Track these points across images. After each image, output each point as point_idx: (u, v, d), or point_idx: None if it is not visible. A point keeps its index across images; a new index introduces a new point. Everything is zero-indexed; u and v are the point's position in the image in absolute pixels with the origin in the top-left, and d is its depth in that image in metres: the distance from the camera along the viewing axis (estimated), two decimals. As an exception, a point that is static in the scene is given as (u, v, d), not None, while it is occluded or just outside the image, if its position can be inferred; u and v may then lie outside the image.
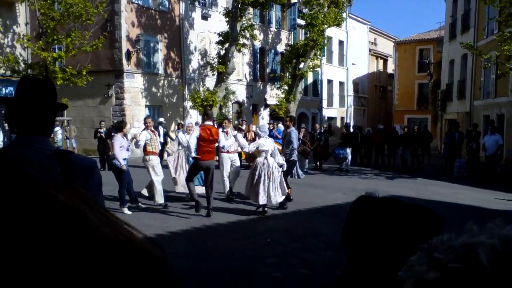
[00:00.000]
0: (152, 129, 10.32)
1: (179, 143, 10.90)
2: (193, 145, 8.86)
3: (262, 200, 9.21)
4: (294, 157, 11.15)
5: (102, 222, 0.40)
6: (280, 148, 11.59)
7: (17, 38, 18.26)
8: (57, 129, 19.13)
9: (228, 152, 11.29)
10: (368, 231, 1.25)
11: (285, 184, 9.66)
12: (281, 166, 9.66)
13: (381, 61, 49.18)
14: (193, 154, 8.95)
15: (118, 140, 9.24)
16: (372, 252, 1.24)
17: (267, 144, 9.32)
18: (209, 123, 9.06)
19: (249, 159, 18.66)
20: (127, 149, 9.56)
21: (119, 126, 9.65)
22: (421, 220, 1.26)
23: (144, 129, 10.05)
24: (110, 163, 9.60)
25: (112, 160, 9.37)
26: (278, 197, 9.40)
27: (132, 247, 0.41)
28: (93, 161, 2.14)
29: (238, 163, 12.34)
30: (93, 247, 0.37)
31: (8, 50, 18.33)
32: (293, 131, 11.28)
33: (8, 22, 18.45)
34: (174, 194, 11.80)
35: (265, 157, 9.29)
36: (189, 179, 9.16)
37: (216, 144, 9.33)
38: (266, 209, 9.43)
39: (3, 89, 17.57)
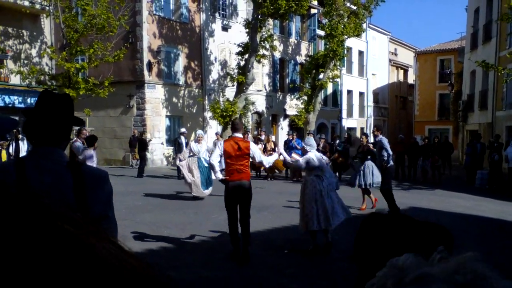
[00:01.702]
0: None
1: (191, 151, 12.58)
2: (216, 163, 7.30)
3: (325, 224, 7.56)
4: (391, 163, 11.06)
5: (109, 253, 0.43)
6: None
7: (43, 50, 18.68)
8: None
9: None
10: (376, 248, 1.28)
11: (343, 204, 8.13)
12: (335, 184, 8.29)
13: (401, 72, 48.89)
14: (219, 175, 7.41)
15: (89, 155, 9.50)
16: (379, 269, 1.26)
17: (316, 159, 7.88)
18: (238, 135, 7.24)
19: (269, 170, 18.69)
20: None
21: (91, 141, 9.71)
22: (429, 237, 1.27)
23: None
24: None
25: None
26: (341, 215, 7.82)
27: (137, 276, 0.44)
28: (104, 172, 2.23)
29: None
30: (101, 276, 0.40)
31: (36, 60, 18.74)
32: (384, 138, 11.11)
33: (34, 33, 18.89)
34: (191, 202, 11.92)
35: (316, 175, 7.78)
36: (229, 215, 7.07)
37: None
38: (330, 240, 7.66)
39: (29, 99, 17.96)
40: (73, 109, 2.12)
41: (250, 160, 7.27)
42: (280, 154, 8.47)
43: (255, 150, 7.28)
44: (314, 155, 7.93)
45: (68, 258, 0.39)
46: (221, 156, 7.21)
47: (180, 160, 12.84)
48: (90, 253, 0.41)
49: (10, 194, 0.41)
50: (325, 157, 8.62)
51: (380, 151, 10.85)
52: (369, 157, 11.50)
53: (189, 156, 12.56)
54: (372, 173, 11.22)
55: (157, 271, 0.47)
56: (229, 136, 7.80)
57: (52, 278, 0.37)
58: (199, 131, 13.46)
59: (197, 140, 12.79)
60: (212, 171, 8.44)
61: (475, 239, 8.55)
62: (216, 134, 18.95)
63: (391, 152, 10.95)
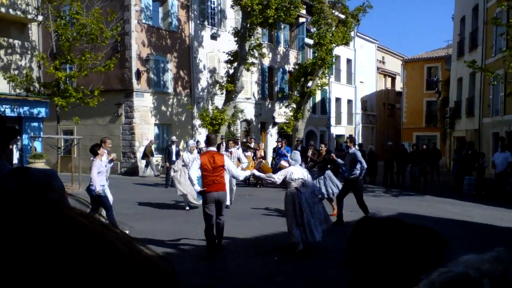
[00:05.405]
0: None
1: (183, 161, 12.67)
2: (194, 176, 7.76)
3: (296, 236, 7.85)
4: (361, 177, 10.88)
5: (121, 243, 0.46)
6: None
7: (32, 59, 18.52)
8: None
9: None
10: (369, 252, 1.28)
11: (327, 213, 8.70)
12: (320, 194, 9.11)
13: (389, 79, 49.27)
14: (198, 188, 7.79)
15: (96, 166, 8.67)
16: (373, 274, 1.26)
17: (297, 172, 8.17)
18: (212, 149, 7.96)
19: (256, 178, 18.69)
20: (106, 172, 9.09)
21: (94, 150, 8.83)
22: (423, 241, 1.27)
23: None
24: (88, 188, 8.76)
25: (90, 186, 8.67)
26: (319, 230, 8.09)
27: (147, 264, 0.47)
28: (52, 171, 2.29)
29: (234, 181, 12.73)
30: (116, 265, 0.43)
31: (24, 69, 18.55)
32: (357, 151, 11.07)
33: (23, 42, 18.71)
34: (181, 210, 11.87)
35: (296, 187, 8.03)
36: (206, 223, 7.58)
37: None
38: (301, 248, 7.86)
39: (19, 108, 17.82)
40: (3, 122, 2.12)
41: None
42: (253, 174, 9.05)
43: (229, 164, 7.94)
44: (296, 169, 8.22)
45: (84, 248, 0.41)
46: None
47: (175, 171, 12.86)
48: (103, 243, 0.44)
49: (22, 195, 0.44)
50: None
51: (353, 163, 10.80)
52: (329, 166, 11.80)
53: (182, 166, 12.56)
54: (332, 182, 11.53)
55: (167, 263, 0.50)
56: (206, 149, 8.54)
57: (68, 268, 0.39)
58: (191, 141, 13.71)
59: (190, 151, 12.88)
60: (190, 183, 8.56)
61: (464, 244, 8.60)
62: (197, 142, 18.51)
63: (365, 165, 10.98)
